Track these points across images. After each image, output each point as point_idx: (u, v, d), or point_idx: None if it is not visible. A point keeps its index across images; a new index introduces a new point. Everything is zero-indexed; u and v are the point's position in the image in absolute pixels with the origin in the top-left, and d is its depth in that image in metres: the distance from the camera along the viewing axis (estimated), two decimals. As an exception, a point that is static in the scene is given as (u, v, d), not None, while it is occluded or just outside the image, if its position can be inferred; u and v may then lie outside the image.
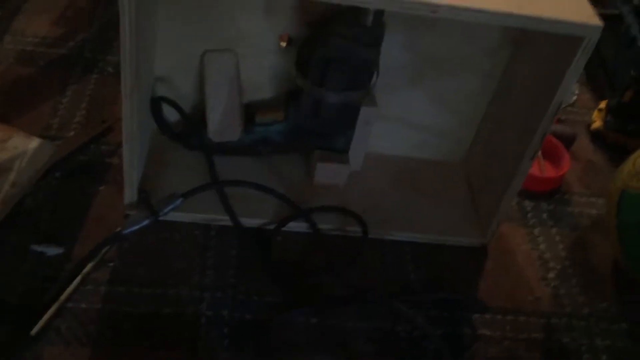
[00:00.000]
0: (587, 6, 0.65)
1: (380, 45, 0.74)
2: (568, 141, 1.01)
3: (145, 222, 0.72)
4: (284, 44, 0.79)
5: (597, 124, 1.06)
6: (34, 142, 0.71)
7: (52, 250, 0.69)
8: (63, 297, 0.66)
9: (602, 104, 1.08)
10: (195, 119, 0.81)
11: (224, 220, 0.77)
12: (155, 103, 0.78)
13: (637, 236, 0.74)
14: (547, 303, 0.78)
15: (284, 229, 0.78)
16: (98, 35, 1.00)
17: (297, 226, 0.79)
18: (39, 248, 0.69)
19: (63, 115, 0.86)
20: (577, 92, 1.16)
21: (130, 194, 0.74)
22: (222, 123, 0.79)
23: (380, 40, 0.73)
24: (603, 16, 1.19)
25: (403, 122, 0.88)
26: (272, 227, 0.78)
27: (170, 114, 0.82)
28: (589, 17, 0.63)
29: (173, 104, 0.79)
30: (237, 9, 0.75)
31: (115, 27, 1.01)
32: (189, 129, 0.80)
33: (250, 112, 0.82)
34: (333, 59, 0.71)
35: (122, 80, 0.64)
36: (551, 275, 0.82)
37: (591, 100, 1.15)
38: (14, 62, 0.92)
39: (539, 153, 0.99)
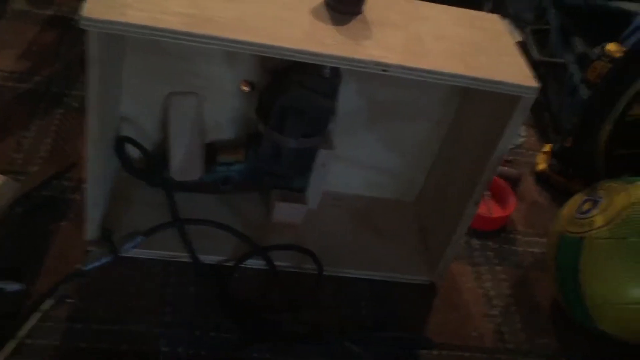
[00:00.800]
0: (525, 68, 0.70)
1: (337, 94, 0.78)
2: (514, 182, 1.07)
3: (106, 259, 0.74)
4: (246, 89, 0.82)
5: (541, 166, 1.13)
6: (-2, 180, 0.73)
7: (12, 286, 0.71)
8: (22, 333, 0.67)
9: (547, 147, 1.15)
10: (158, 158, 0.84)
11: (184, 256, 0.79)
12: (120, 142, 0.81)
13: (572, 279, 0.80)
14: (491, 339, 0.83)
15: (242, 265, 0.81)
16: (64, 70, 1.02)
17: (255, 263, 0.82)
18: (-1, 284, 0.70)
19: (27, 150, 0.87)
20: (524, 134, 1.23)
21: (92, 231, 0.76)
22: (184, 163, 0.82)
23: (337, 89, 0.78)
24: (549, 63, 1.28)
25: (358, 163, 0.92)
26: (230, 264, 0.81)
27: (134, 151, 0.84)
28: (526, 78, 0.69)
29: (137, 145, 0.81)
30: (201, 56, 0.79)
31: (81, 63, 1.04)
32: (152, 168, 0.83)
33: (212, 151, 0.85)
34: (292, 108, 0.75)
35: (88, 126, 0.66)
36: (495, 312, 0.87)
37: (537, 142, 1.21)
38: (-21, 96, 0.93)
39: (488, 193, 1.04)
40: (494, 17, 0.78)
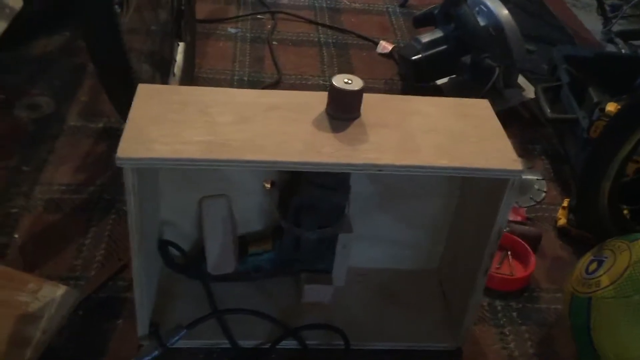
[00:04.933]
0: (509, 151, 0.78)
1: (348, 185, 0.87)
2: (534, 241, 1.12)
3: (155, 353, 0.84)
4: (268, 186, 0.93)
5: (562, 221, 1.17)
6: (61, 290, 0.85)
7: (78, 384, 0.81)
8: None
9: (566, 202, 1.19)
10: (196, 255, 0.94)
11: (224, 343, 0.89)
12: (162, 244, 0.92)
13: (585, 337, 0.84)
14: (516, 400, 0.88)
15: (277, 347, 0.89)
16: (113, 177, 1.15)
17: (289, 344, 0.90)
18: (66, 383, 0.81)
19: (86, 257, 1.00)
20: (545, 189, 1.28)
21: (142, 328, 0.86)
22: (219, 259, 0.92)
23: (347, 181, 0.87)
24: (562, 120, 1.33)
25: (378, 239, 1.00)
26: (267, 346, 0.89)
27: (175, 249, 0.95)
28: (510, 162, 0.76)
29: (176, 247, 0.93)
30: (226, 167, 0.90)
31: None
32: (191, 264, 0.94)
33: (243, 243, 0.95)
34: (306, 205, 0.84)
35: (131, 242, 0.77)
36: (520, 373, 0.92)
37: (559, 196, 1.26)
38: (43, 210, 1.07)
39: (509, 254, 1.10)
40: (482, 103, 0.86)
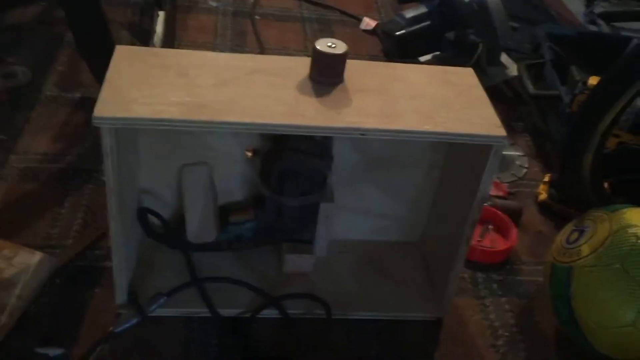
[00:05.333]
0: (493, 118, 0.77)
1: (331, 152, 0.86)
2: (515, 215, 1.12)
3: (134, 321, 0.83)
4: (249, 154, 0.91)
5: (543, 196, 1.17)
6: (37, 257, 0.83)
7: (55, 352, 0.80)
8: (64, 393, 0.76)
9: (547, 178, 1.20)
10: (177, 223, 0.93)
11: (204, 312, 0.88)
12: (142, 213, 0.90)
13: (566, 307, 0.84)
14: (496, 369, 0.88)
15: (258, 316, 0.88)
16: (92, 147, 1.13)
17: (270, 313, 0.89)
18: (42, 350, 0.80)
19: (62, 225, 0.98)
20: (526, 165, 1.28)
21: (120, 296, 0.85)
22: (199, 227, 0.91)
23: (330, 149, 0.86)
24: (544, 96, 1.33)
25: (361, 211, 0.99)
26: (248, 315, 0.88)
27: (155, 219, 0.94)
28: (494, 128, 0.75)
29: (155, 214, 0.91)
30: (208, 132, 0.88)
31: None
32: (171, 233, 0.92)
33: (224, 213, 0.94)
34: (289, 171, 0.83)
35: (109, 205, 0.76)
36: (500, 342, 0.92)
37: (541, 172, 1.26)
38: (19, 179, 1.04)
39: (491, 227, 1.10)
40: (466, 71, 0.85)
